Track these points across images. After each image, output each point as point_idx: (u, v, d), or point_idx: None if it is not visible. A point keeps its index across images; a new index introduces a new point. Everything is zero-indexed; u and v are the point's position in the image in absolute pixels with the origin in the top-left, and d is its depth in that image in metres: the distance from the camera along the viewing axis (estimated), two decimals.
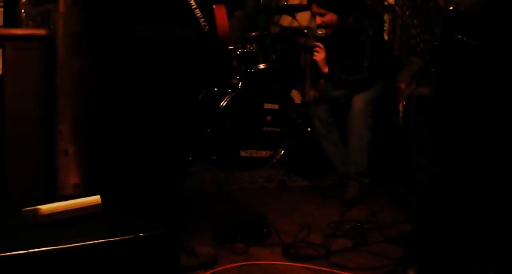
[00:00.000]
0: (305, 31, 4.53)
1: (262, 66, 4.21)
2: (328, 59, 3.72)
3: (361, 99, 3.65)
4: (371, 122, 3.65)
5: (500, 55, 1.92)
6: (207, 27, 2.21)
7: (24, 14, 2.93)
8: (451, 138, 2.06)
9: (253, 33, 4.30)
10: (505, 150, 2.04)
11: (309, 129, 4.02)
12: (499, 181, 2.09)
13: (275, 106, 4.23)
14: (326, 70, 3.71)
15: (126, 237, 1.51)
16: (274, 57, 4.31)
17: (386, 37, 4.37)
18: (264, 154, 4.18)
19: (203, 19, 2.21)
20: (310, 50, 3.81)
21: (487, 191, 2.10)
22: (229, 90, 4.10)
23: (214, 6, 2.26)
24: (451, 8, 1.97)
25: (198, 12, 2.20)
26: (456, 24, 1.98)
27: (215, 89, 4.16)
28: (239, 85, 4.13)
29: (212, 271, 2.47)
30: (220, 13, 2.26)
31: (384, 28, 4.36)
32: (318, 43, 3.71)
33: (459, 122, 2.05)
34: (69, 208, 1.59)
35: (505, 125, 2.01)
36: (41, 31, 2.79)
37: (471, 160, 2.06)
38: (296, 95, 4.79)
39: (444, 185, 2.09)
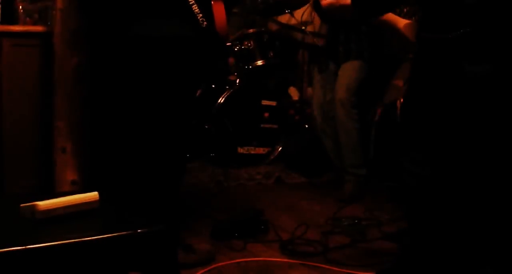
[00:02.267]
0: (303, 28, 4.53)
1: (259, 63, 4.20)
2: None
3: (343, 88, 3.62)
4: (355, 113, 3.62)
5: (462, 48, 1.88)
6: (205, 23, 2.21)
7: (21, 11, 2.92)
8: (430, 139, 2.02)
9: (251, 30, 4.29)
10: (487, 148, 2.00)
11: (306, 126, 4.01)
12: (485, 181, 2.06)
13: (273, 103, 4.22)
14: None
15: (124, 233, 1.51)
16: (272, 54, 4.30)
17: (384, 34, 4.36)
18: (261, 150, 4.17)
19: (201, 15, 2.20)
20: (308, 47, 3.79)
21: (474, 191, 2.08)
22: (227, 87, 4.10)
23: (212, 2, 2.26)
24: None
25: (196, 8, 2.20)
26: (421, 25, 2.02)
27: (213, 86, 4.16)
28: (237, 82, 4.13)
29: (210, 267, 2.47)
30: (218, 9, 2.26)
31: None
32: None
33: (435, 124, 2.01)
34: (67, 204, 1.59)
35: (482, 124, 1.97)
36: (39, 28, 2.79)
37: (455, 160, 2.03)
38: (294, 92, 4.79)
39: (429, 186, 2.06)
